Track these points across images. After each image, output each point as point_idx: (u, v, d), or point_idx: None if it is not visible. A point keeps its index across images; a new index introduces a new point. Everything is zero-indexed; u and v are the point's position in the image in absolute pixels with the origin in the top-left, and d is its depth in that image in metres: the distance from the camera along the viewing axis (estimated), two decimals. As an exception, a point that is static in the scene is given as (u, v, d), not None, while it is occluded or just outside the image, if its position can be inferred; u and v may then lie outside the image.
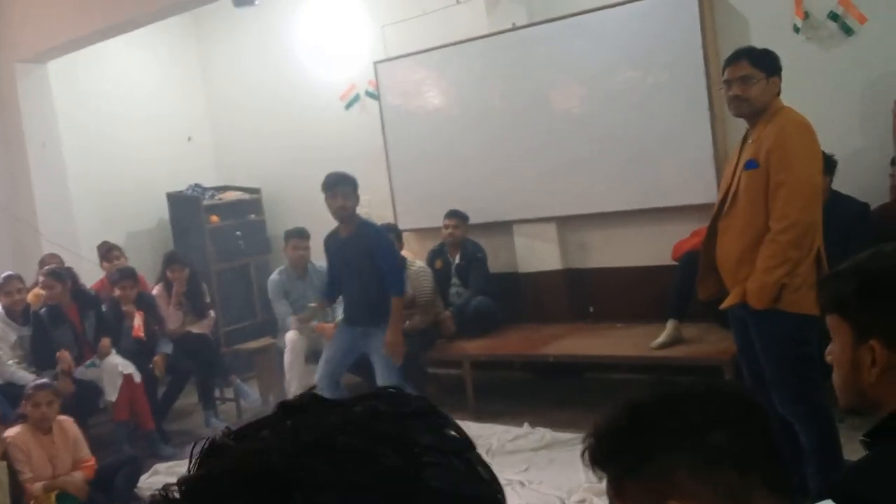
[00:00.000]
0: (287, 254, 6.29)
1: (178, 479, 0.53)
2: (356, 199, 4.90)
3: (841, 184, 4.48)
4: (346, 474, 0.51)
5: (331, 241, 5.10)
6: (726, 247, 3.45)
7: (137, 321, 5.80)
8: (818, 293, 1.50)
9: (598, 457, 1.00)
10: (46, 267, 5.73)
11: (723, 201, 3.48)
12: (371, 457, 0.52)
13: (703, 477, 0.91)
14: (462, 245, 6.05)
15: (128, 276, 5.89)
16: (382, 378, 4.89)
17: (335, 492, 0.50)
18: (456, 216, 6.05)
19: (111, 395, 5.46)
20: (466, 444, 0.56)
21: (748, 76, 3.33)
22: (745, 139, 3.45)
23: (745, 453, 0.94)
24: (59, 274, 5.61)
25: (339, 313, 5.57)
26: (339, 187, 4.82)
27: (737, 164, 3.42)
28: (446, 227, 6.06)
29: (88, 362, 5.54)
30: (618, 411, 1.00)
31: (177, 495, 0.53)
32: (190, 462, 0.54)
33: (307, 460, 0.52)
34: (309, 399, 0.58)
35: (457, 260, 6.07)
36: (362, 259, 4.87)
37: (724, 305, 3.47)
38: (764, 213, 3.30)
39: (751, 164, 3.32)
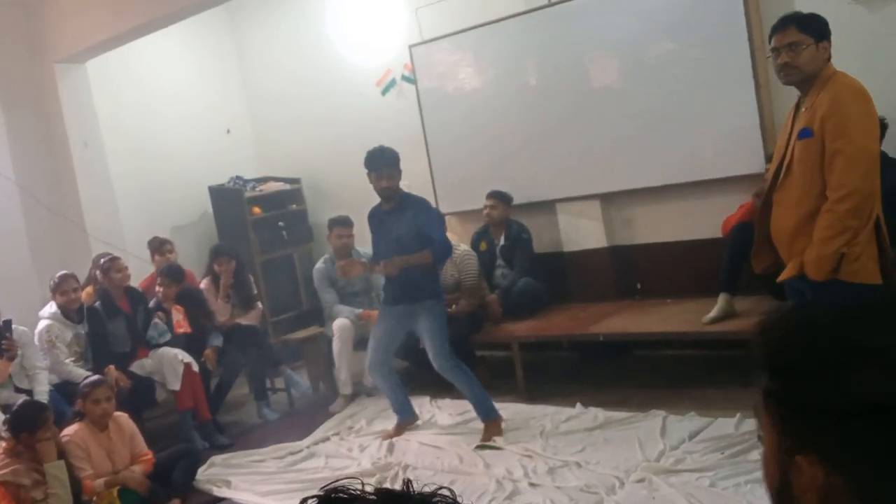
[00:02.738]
0: (331, 242, 6.28)
1: None
2: (399, 175, 4.84)
3: (892, 147, 4.36)
4: None
5: (374, 215, 5.02)
6: (782, 218, 3.37)
7: (177, 316, 5.84)
8: None
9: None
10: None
11: (777, 172, 3.40)
12: None
13: (850, 441, 0.77)
14: (507, 226, 6.00)
15: (171, 274, 5.91)
16: (434, 358, 4.83)
17: None
18: (494, 196, 6.00)
19: (174, 384, 5.48)
20: None
21: (796, 42, 3.24)
22: (797, 107, 3.36)
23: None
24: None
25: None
26: (384, 169, 4.77)
27: (790, 133, 3.34)
28: (485, 207, 6.02)
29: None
30: (764, 355, 0.84)
31: None
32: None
33: None
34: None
35: (501, 241, 6.03)
36: (405, 232, 4.77)
37: (781, 278, 3.40)
38: (820, 183, 3.22)
39: (805, 133, 3.24)
